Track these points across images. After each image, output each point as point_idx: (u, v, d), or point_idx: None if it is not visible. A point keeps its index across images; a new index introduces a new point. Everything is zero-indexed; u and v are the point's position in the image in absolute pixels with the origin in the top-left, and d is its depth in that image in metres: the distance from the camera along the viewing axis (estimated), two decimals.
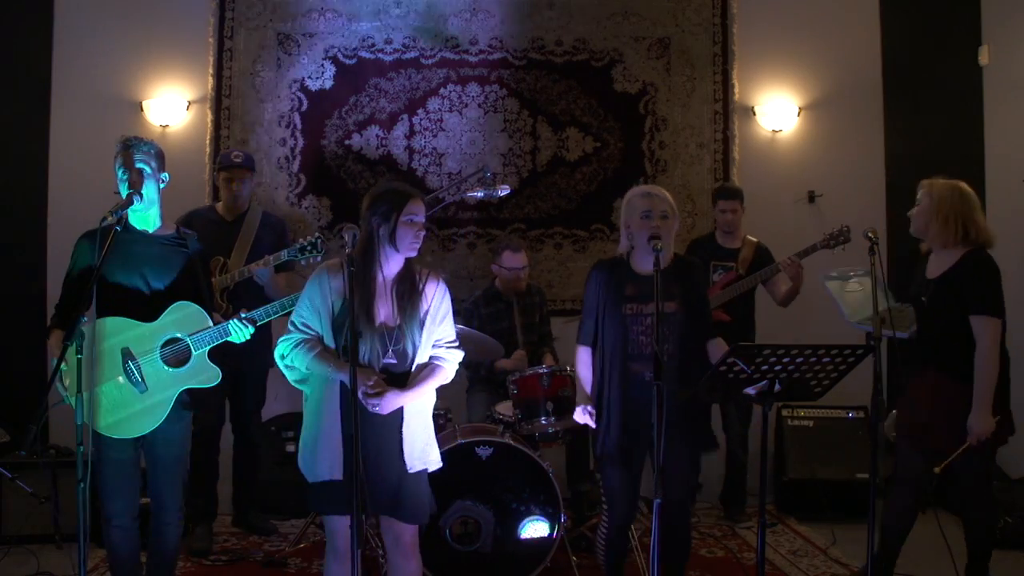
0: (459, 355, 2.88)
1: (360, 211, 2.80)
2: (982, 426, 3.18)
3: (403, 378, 2.75)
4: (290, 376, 2.85)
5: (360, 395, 2.60)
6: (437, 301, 2.82)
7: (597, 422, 3.11)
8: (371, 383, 2.65)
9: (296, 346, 2.75)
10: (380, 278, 2.76)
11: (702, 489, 4.87)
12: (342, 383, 2.70)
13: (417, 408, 2.80)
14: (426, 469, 2.83)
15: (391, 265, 2.78)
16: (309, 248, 3.74)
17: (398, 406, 2.72)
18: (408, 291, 2.76)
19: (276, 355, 2.81)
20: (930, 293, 3.36)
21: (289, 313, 2.90)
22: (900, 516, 3.48)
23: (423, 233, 2.77)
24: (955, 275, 3.28)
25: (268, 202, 5.10)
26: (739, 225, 4.65)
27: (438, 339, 2.84)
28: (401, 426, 2.76)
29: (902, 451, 3.48)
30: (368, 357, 2.71)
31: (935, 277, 3.36)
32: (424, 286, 2.81)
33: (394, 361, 2.75)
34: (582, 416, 3.13)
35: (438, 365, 2.82)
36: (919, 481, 3.43)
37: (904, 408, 3.49)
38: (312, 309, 2.75)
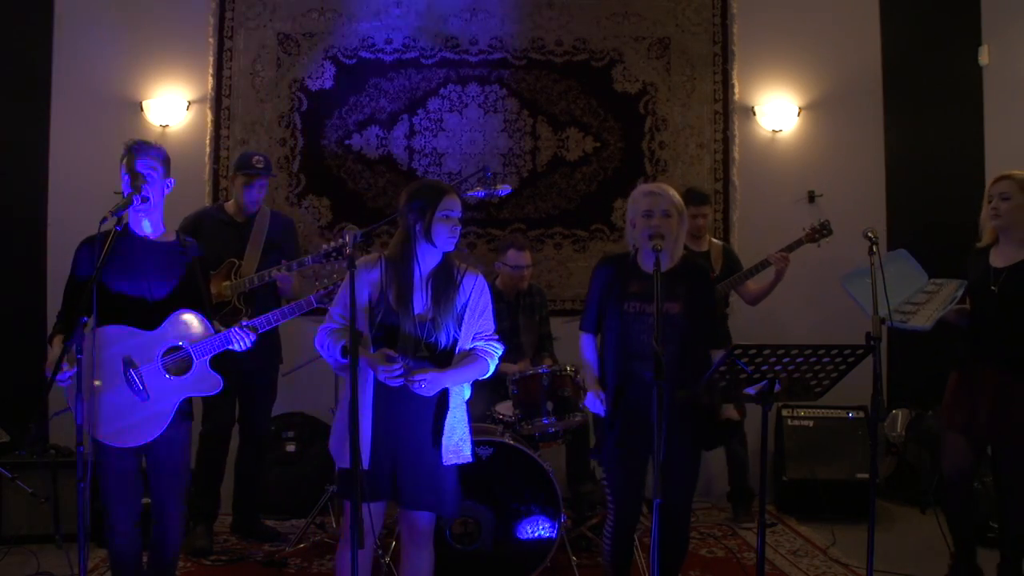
0: (500, 348, 2.91)
1: (399, 206, 2.85)
2: None
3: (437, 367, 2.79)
4: (332, 365, 2.89)
5: (400, 379, 2.65)
6: (476, 294, 2.86)
7: (596, 417, 3.11)
8: (405, 366, 2.67)
9: (330, 335, 2.81)
10: (417, 272, 2.81)
11: (696, 489, 4.87)
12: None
13: (458, 400, 2.84)
14: (457, 463, 2.85)
15: (428, 259, 2.82)
16: (335, 254, 3.75)
17: (442, 386, 2.75)
18: (443, 285, 2.81)
19: (316, 343, 2.85)
20: (1002, 280, 3.37)
21: (290, 320, 2.99)
22: (964, 510, 3.52)
23: (459, 228, 2.81)
24: None
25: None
26: (706, 229, 4.67)
27: (479, 331, 2.87)
28: (444, 418, 2.79)
29: (955, 447, 3.49)
30: (403, 348, 2.75)
31: (1009, 265, 3.38)
32: (462, 280, 2.85)
33: (425, 354, 2.78)
34: (594, 403, 3.09)
35: (479, 356, 2.85)
36: (971, 474, 3.48)
37: (961, 405, 3.47)
38: (345, 299, 2.80)
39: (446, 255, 2.84)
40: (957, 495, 3.51)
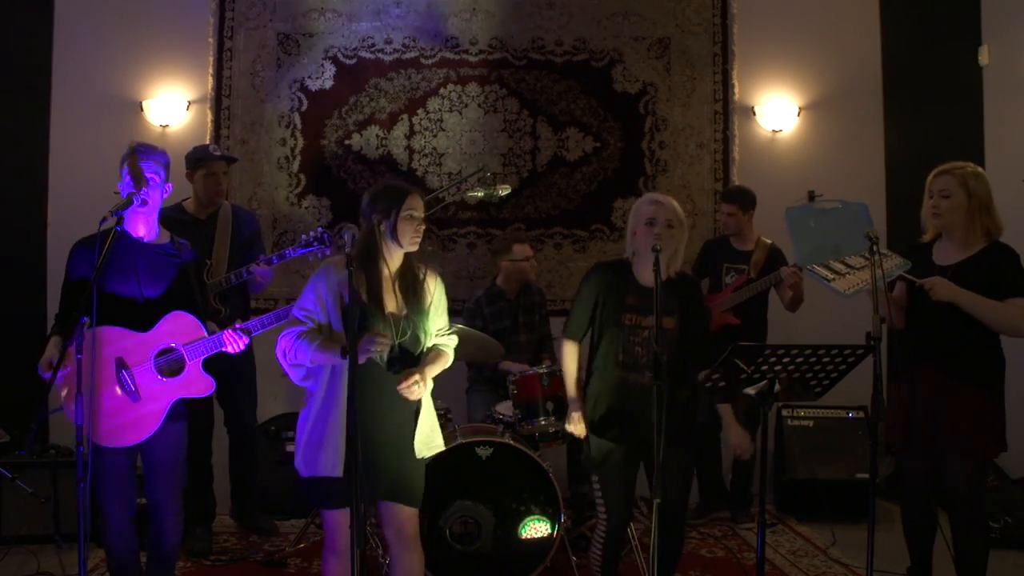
0: (455, 340, 2.99)
1: (360, 209, 2.86)
2: (943, 286, 3.08)
3: (413, 363, 2.85)
4: (294, 376, 2.86)
5: (374, 350, 2.67)
6: (439, 293, 2.94)
7: (589, 426, 3.11)
8: (410, 379, 2.74)
9: (298, 339, 2.74)
10: (385, 272, 2.83)
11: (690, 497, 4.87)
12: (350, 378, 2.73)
13: (427, 395, 2.90)
14: (428, 456, 2.91)
15: (394, 260, 2.85)
16: (315, 243, 3.76)
17: (430, 385, 2.83)
18: (412, 283, 2.86)
19: (278, 354, 2.79)
20: (947, 279, 3.14)
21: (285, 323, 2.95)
22: (917, 526, 3.42)
23: (423, 227, 2.84)
24: (984, 262, 3.12)
25: (268, 202, 5.11)
26: (744, 227, 4.60)
27: (438, 329, 2.94)
28: (416, 416, 2.85)
29: (908, 467, 3.36)
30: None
31: (953, 264, 3.19)
32: (424, 279, 2.90)
33: (397, 353, 2.81)
34: (576, 426, 3.14)
35: (442, 350, 2.93)
36: (927, 485, 3.33)
37: (899, 411, 3.32)
38: (317, 300, 2.78)
39: (407, 255, 2.87)
40: (911, 512, 3.41)
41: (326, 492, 2.74)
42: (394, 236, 2.79)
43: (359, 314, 2.69)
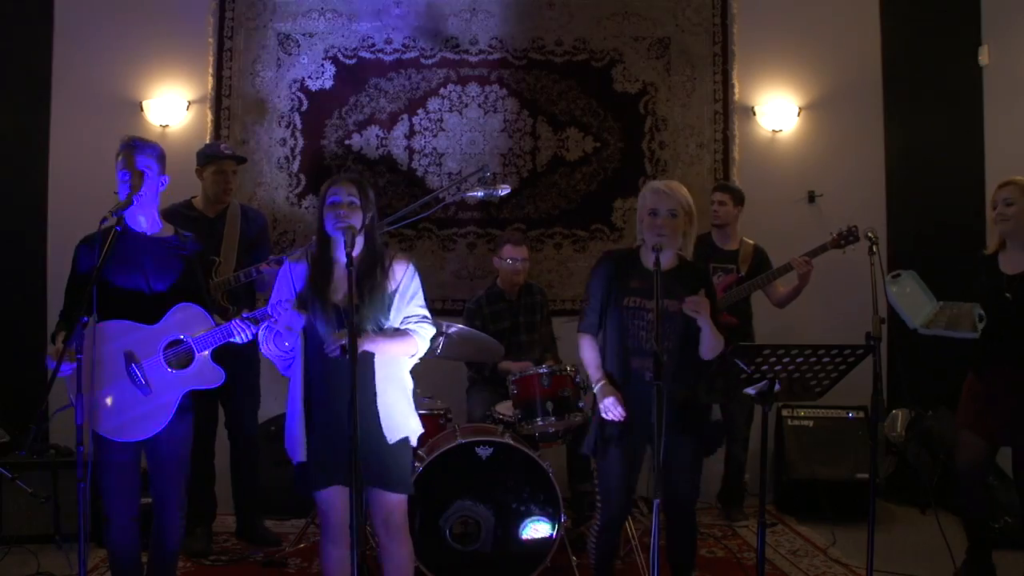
0: (430, 329, 2.93)
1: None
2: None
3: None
4: (279, 365, 2.96)
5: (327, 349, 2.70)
6: (406, 280, 2.90)
7: (595, 414, 3.08)
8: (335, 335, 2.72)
9: (267, 327, 2.90)
10: (340, 261, 2.83)
11: (700, 491, 4.87)
12: (305, 364, 2.86)
13: (389, 377, 2.85)
14: (407, 438, 2.88)
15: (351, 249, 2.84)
16: None
17: (360, 347, 2.70)
18: (369, 272, 2.84)
19: (261, 343, 2.92)
20: (1016, 287, 3.44)
21: None
22: (978, 506, 3.62)
23: (343, 212, 2.81)
24: None
25: (268, 202, 5.11)
26: (730, 222, 4.61)
27: (408, 316, 2.90)
28: (375, 398, 2.82)
29: (969, 443, 3.58)
30: (323, 333, 2.79)
31: (1021, 272, 3.46)
32: (391, 266, 2.88)
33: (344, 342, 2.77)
34: (614, 409, 2.99)
35: (407, 330, 2.88)
36: (985, 470, 3.59)
37: (977, 404, 3.54)
38: (279, 294, 2.91)
39: (372, 244, 2.88)
40: (970, 490, 3.59)
41: (302, 477, 2.86)
42: (323, 225, 2.83)
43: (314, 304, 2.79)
